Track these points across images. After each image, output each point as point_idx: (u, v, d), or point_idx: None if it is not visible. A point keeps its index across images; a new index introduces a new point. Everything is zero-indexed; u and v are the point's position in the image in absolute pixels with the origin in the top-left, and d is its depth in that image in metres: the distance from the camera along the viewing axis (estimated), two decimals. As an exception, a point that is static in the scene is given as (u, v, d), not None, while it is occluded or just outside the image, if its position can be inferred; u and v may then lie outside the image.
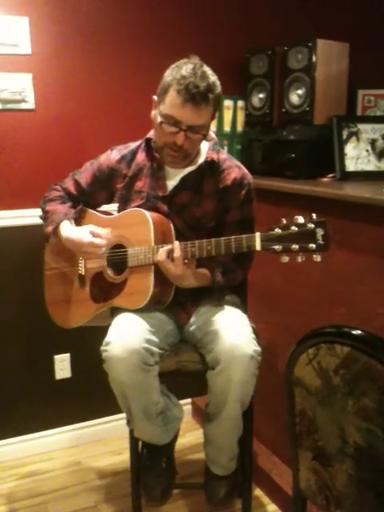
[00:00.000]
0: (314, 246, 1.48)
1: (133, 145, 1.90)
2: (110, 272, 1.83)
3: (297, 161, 2.27)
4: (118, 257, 1.80)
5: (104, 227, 1.84)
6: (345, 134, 2.21)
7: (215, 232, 1.79)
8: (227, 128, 2.57)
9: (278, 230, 1.51)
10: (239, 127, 2.58)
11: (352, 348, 1.13)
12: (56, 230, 1.85)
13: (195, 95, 1.59)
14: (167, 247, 1.66)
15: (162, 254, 1.66)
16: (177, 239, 1.74)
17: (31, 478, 2.38)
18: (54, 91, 2.32)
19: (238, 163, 1.85)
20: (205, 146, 1.83)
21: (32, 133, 2.31)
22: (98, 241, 1.74)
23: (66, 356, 2.53)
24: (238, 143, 2.59)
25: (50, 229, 1.86)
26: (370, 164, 2.25)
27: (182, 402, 1.96)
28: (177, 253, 1.63)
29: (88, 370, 2.48)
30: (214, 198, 1.80)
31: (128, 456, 1.93)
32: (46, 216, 1.92)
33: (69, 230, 1.83)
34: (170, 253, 1.65)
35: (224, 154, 1.85)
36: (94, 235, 1.75)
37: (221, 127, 2.54)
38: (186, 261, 1.66)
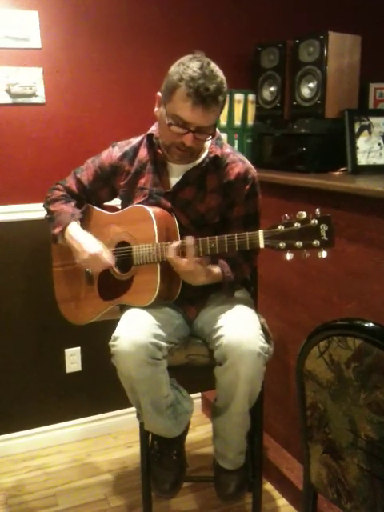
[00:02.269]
0: (318, 242, 1.46)
1: (134, 141, 1.88)
2: (116, 269, 1.83)
3: (308, 154, 2.26)
4: (123, 254, 1.80)
5: (107, 224, 1.85)
6: (356, 127, 2.19)
7: (220, 227, 1.78)
8: (238, 122, 2.56)
9: (281, 227, 1.49)
10: (250, 121, 2.57)
11: (364, 341, 1.13)
12: (63, 232, 1.84)
13: (205, 98, 1.56)
14: (177, 243, 1.65)
15: (172, 250, 1.64)
16: (181, 235, 1.73)
17: (42, 471, 2.40)
18: (64, 85, 2.32)
19: (242, 157, 1.83)
20: (208, 141, 1.80)
21: (42, 127, 2.31)
22: (103, 256, 1.76)
23: (77, 350, 2.54)
24: (249, 137, 2.58)
25: (57, 230, 1.84)
26: (382, 157, 2.23)
27: (191, 395, 1.96)
28: (188, 249, 1.62)
29: (98, 364, 2.49)
30: (218, 193, 1.78)
31: (138, 449, 1.94)
32: (51, 217, 1.89)
33: (78, 232, 1.82)
34: (180, 249, 1.64)
35: (227, 148, 1.82)
36: (102, 252, 1.77)
37: (231, 121, 2.53)
38: (196, 258, 1.64)
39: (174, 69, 1.62)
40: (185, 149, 1.67)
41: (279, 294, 2.26)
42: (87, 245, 1.78)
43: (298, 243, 1.47)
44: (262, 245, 1.53)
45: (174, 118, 1.62)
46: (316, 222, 1.46)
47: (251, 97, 2.54)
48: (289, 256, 1.49)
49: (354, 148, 2.18)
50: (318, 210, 1.47)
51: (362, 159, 2.20)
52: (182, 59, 1.63)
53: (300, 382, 1.30)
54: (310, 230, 1.46)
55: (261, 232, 1.53)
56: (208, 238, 1.62)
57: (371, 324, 1.13)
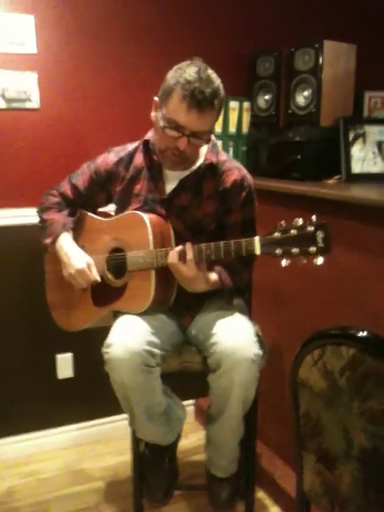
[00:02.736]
0: (314, 249, 1.45)
1: (130, 146, 1.87)
2: (110, 276, 1.82)
3: (303, 162, 2.26)
4: (117, 260, 1.80)
5: (101, 230, 1.85)
6: (351, 135, 2.20)
7: (216, 234, 1.78)
8: (233, 129, 2.56)
9: (277, 234, 1.49)
10: (245, 128, 2.58)
11: (358, 350, 1.13)
12: (54, 243, 1.84)
13: (201, 102, 1.56)
14: (179, 249, 1.64)
15: (173, 255, 1.64)
16: (176, 242, 1.73)
17: (33, 477, 2.38)
18: (59, 91, 2.32)
19: (238, 164, 1.83)
20: (203, 148, 1.79)
21: (37, 132, 2.31)
22: (89, 273, 1.77)
23: (69, 355, 2.53)
24: (244, 144, 2.59)
25: (48, 241, 1.85)
26: (377, 166, 2.24)
27: (184, 403, 1.96)
28: (189, 254, 1.62)
29: (90, 370, 2.47)
30: (215, 199, 1.78)
31: (130, 456, 1.93)
32: (44, 225, 1.89)
33: (67, 245, 1.82)
34: (181, 254, 1.64)
35: (223, 156, 1.82)
36: (88, 267, 1.77)
37: (226, 128, 2.54)
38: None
39: (171, 73, 1.63)
40: (179, 154, 1.67)
41: (274, 301, 2.26)
42: (74, 260, 1.78)
43: (295, 250, 1.47)
44: (258, 251, 1.53)
45: (169, 122, 1.62)
46: (312, 228, 1.46)
47: (246, 104, 2.55)
48: (285, 262, 1.49)
49: (349, 156, 2.19)
50: (314, 216, 1.47)
51: (357, 167, 2.20)
52: (179, 65, 1.64)
53: (294, 391, 1.30)
54: (306, 236, 1.46)
55: (257, 238, 1.53)
56: (204, 244, 1.61)
57: (365, 333, 1.13)
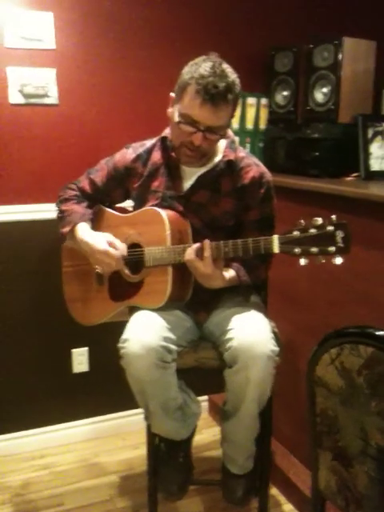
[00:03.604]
0: (333, 248, 1.45)
1: (148, 143, 1.88)
2: (127, 271, 1.83)
3: (321, 159, 2.25)
4: (134, 256, 1.80)
5: (119, 226, 1.85)
6: (370, 132, 2.19)
7: (234, 231, 1.78)
8: (250, 125, 2.56)
9: (296, 233, 1.48)
10: (262, 125, 2.57)
11: (376, 349, 1.12)
12: (72, 231, 1.84)
13: (214, 96, 1.56)
14: (196, 246, 1.64)
15: (190, 252, 1.64)
16: (194, 239, 1.73)
17: (48, 470, 2.40)
18: (77, 87, 2.33)
19: (257, 161, 1.83)
20: (222, 144, 1.80)
21: (55, 127, 2.32)
22: (112, 251, 1.74)
23: (84, 350, 2.55)
24: (261, 141, 2.58)
25: (66, 230, 1.84)
26: (395, 164, 2.22)
27: (198, 398, 1.96)
28: (207, 252, 1.61)
29: (106, 364, 2.49)
30: (233, 196, 1.78)
31: (145, 450, 1.94)
32: (62, 216, 1.89)
33: (85, 233, 1.81)
34: (199, 251, 1.64)
35: (242, 152, 1.82)
36: (110, 245, 1.75)
37: (243, 124, 2.53)
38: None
39: (187, 69, 1.64)
40: (194, 149, 1.67)
41: (290, 298, 2.25)
42: (95, 244, 1.76)
43: (314, 249, 1.46)
44: (276, 250, 1.52)
45: (184, 117, 1.63)
46: (332, 228, 1.45)
47: (264, 101, 2.55)
48: (303, 262, 1.48)
49: (367, 153, 2.18)
50: (334, 216, 1.46)
51: (375, 165, 2.19)
52: (195, 60, 1.64)
53: (310, 389, 1.30)
54: (325, 236, 1.45)
55: (276, 237, 1.52)
56: (222, 241, 1.61)
57: (383, 332, 1.12)
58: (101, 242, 1.76)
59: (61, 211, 1.91)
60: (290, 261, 1.50)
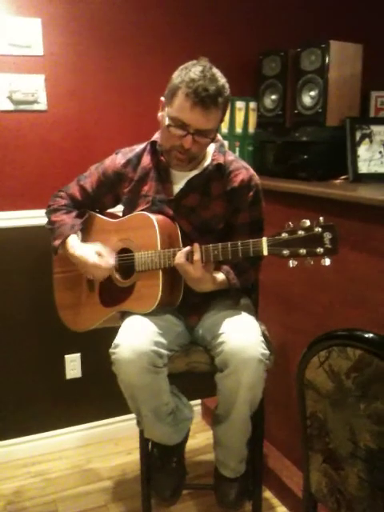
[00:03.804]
0: (321, 250, 1.46)
1: (138, 148, 1.88)
2: (118, 276, 1.83)
3: (309, 162, 2.27)
4: (125, 261, 1.81)
5: (109, 231, 1.86)
6: (358, 135, 2.20)
7: (224, 234, 1.79)
8: (239, 129, 2.57)
9: (284, 235, 1.50)
10: (251, 128, 2.58)
11: (364, 351, 1.13)
12: (63, 244, 1.85)
13: (204, 99, 1.58)
14: (186, 249, 1.65)
15: (180, 256, 1.65)
16: (184, 242, 1.74)
17: (42, 477, 2.39)
18: (66, 92, 2.33)
19: (245, 164, 1.84)
20: (211, 148, 1.81)
21: (44, 134, 2.32)
22: (102, 264, 1.77)
23: (77, 356, 2.54)
24: (250, 144, 2.59)
25: (57, 243, 1.86)
26: (383, 166, 2.23)
27: (191, 402, 1.96)
28: (197, 255, 1.62)
29: (98, 370, 2.49)
30: (223, 200, 1.79)
31: (138, 456, 1.94)
32: (52, 227, 1.90)
33: (75, 246, 1.83)
34: (189, 255, 1.65)
35: (230, 156, 1.83)
36: (100, 256, 1.78)
37: (232, 128, 2.54)
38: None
39: (177, 73, 1.65)
40: (184, 152, 1.68)
41: (281, 301, 2.26)
42: (85, 257, 1.80)
43: (302, 251, 1.48)
44: (265, 252, 1.53)
45: (174, 120, 1.64)
46: (320, 229, 1.46)
47: (252, 104, 2.56)
48: (292, 263, 1.50)
49: (355, 156, 2.19)
50: (321, 218, 1.48)
51: (363, 167, 2.20)
52: (185, 64, 1.66)
53: (300, 392, 1.30)
54: (313, 237, 1.47)
55: (265, 239, 1.53)
56: (211, 245, 1.62)
57: (371, 334, 1.13)
58: (90, 255, 1.79)
59: (51, 222, 1.92)
60: (281, 263, 1.51)
